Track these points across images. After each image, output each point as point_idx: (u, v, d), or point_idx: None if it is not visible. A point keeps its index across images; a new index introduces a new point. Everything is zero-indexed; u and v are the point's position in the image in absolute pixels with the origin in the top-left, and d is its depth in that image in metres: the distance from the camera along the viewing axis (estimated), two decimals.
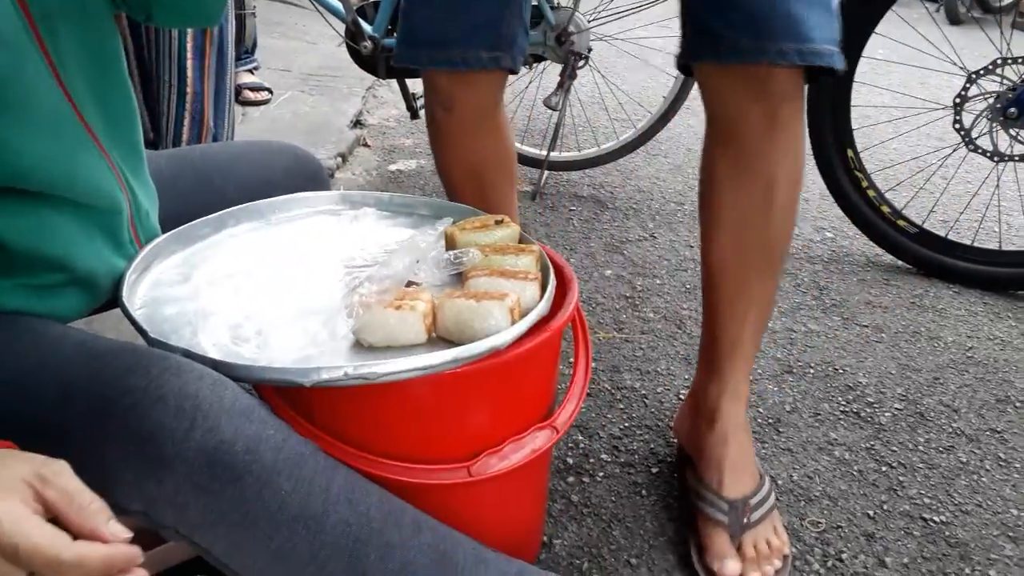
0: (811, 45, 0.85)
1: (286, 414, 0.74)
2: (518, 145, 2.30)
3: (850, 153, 1.83)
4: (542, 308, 0.79)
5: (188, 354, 0.67)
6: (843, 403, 1.36)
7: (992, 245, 1.89)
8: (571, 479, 1.17)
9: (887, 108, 2.23)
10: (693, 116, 2.90)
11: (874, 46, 1.74)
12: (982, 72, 1.71)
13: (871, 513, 1.12)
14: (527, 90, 2.52)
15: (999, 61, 1.69)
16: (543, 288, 0.82)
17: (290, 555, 0.64)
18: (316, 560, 0.65)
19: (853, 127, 1.81)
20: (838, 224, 2.06)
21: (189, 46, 1.25)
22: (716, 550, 0.99)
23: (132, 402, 0.60)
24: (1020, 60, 1.67)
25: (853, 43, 1.76)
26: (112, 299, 0.81)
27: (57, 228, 0.72)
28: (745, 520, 1.00)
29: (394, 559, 0.68)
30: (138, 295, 0.81)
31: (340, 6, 2.03)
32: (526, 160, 2.30)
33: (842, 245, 1.95)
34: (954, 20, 5.19)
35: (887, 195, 1.85)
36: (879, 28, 1.71)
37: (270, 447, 0.63)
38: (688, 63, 0.97)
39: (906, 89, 3.02)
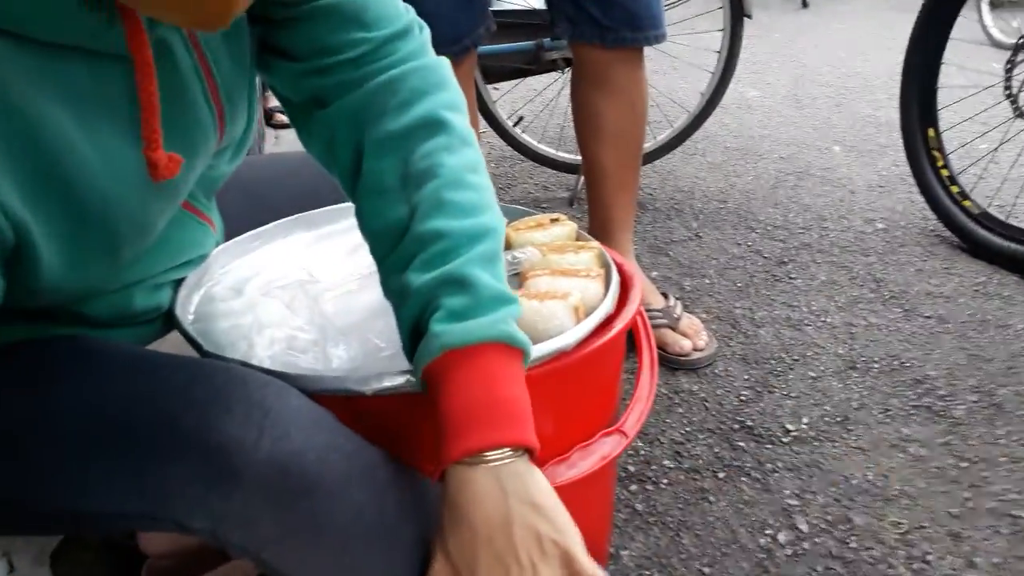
0: (662, 30, 1.31)
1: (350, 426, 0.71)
2: (552, 151, 2.27)
3: (931, 132, 1.87)
4: (607, 306, 0.75)
5: (245, 366, 0.65)
6: (913, 397, 1.30)
7: None
8: (634, 487, 1.12)
9: (949, 88, 2.10)
10: (727, 115, 2.86)
11: None
12: None
13: (954, 511, 1.06)
14: (558, 97, 2.49)
15: None
16: (606, 286, 0.79)
17: (364, 571, 0.61)
18: (392, 574, 0.61)
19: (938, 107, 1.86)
20: (888, 215, 2.00)
21: None
22: (670, 341, 1.40)
23: (199, 414, 0.57)
24: None
25: (943, 26, 1.80)
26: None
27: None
28: (675, 316, 1.44)
29: None
30: (190, 310, 0.79)
31: None
32: (561, 166, 2.27)
33: (895, 236, 1.88)
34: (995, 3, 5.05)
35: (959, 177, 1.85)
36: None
37: (343, 456, 0.60)
38: (570, 40, 1.33)
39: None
